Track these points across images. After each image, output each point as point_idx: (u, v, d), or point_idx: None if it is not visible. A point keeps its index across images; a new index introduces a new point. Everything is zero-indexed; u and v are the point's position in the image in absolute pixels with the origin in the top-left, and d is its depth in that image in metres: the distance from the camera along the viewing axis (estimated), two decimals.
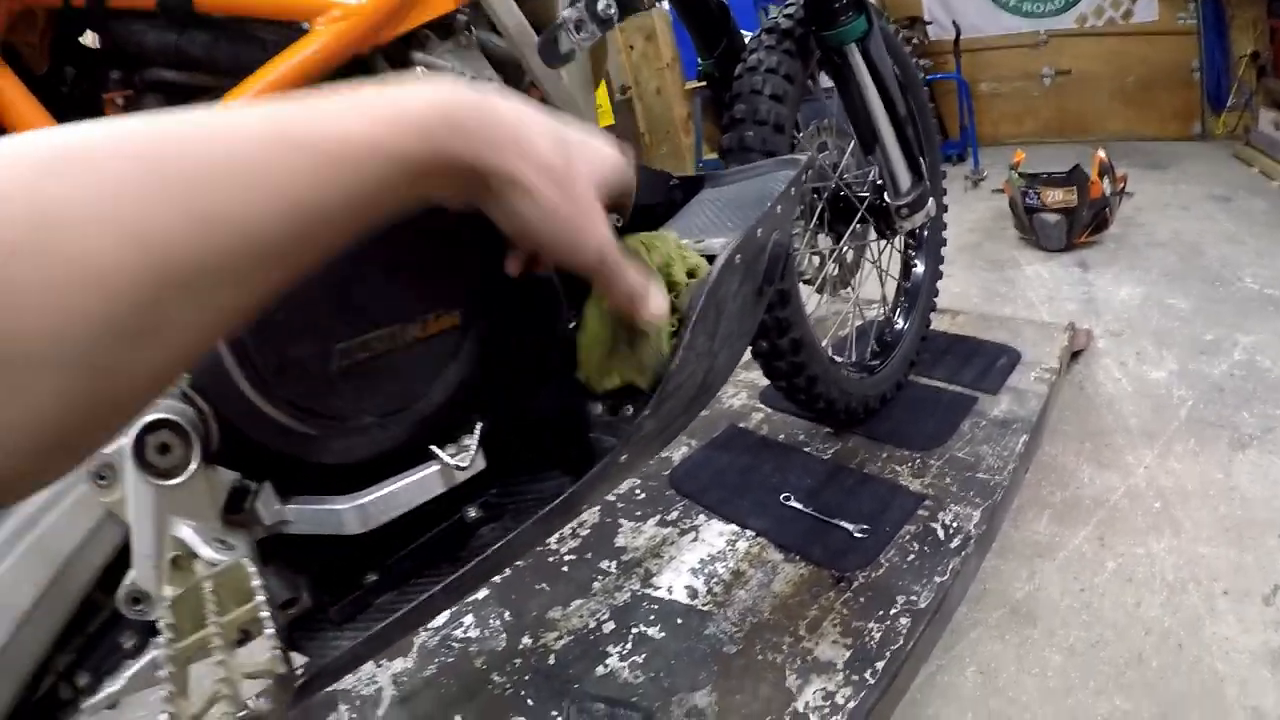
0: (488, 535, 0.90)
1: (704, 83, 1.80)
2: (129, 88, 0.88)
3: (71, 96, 0.92)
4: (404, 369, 0.81)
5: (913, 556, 1.52)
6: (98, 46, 0.89)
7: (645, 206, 1.14)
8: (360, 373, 0.78)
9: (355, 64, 0.85)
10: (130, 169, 0.32)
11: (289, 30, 0.84)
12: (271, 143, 0.37)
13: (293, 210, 0.37)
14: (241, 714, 0.61)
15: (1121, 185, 3.61)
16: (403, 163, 0.42)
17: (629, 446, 0.82)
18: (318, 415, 0.78)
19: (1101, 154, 3.53)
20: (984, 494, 1.67)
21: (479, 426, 0.83)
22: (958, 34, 5.46)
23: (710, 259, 0.81)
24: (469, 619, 1.57)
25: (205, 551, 0.73)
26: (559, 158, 0.52)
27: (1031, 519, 1.81)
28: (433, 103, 0.44)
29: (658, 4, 1.20)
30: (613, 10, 0.96)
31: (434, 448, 0.82)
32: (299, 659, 0.78)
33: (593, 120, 1.04)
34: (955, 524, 1.59)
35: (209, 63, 0.85)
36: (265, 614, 0.66)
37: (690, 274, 0.81)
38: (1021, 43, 5.80)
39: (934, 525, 1.60)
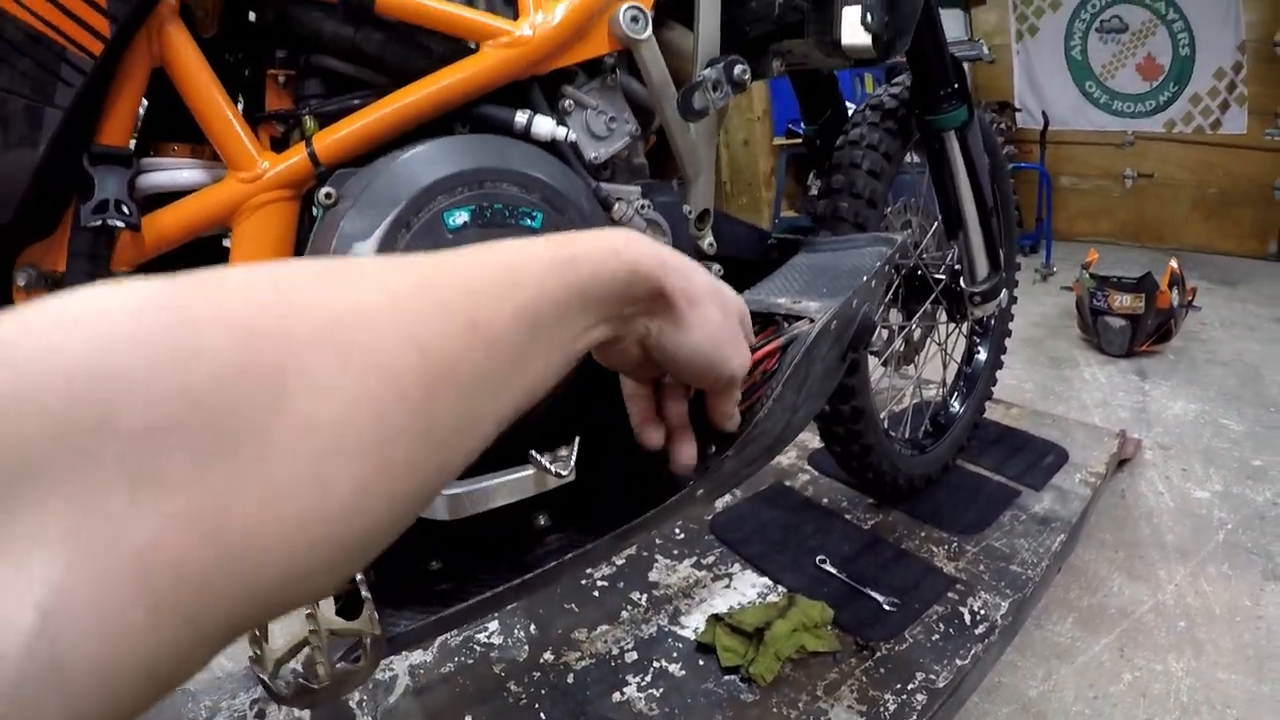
0: (553, 544, 0.93)
1: (797, 143, 1.85)
2: (292, 68, 0.94)
3: (235, 65, 0.98)
4: None
5: (937, 636, 1.54)
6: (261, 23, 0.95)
7: (743, 261, 1.19)
8: None
9: (512, 88, 0.92)
10: (406, 284, 0.36)
11: (458, 46, 0.90)
12: (531, 271, 0.43)
13: (537, 321, 0.42)
14: (336, 666, 0.66)
15: (1190, 298, 3.59)
16: (621, 282, 0.50)
17: (707, 482, 0.86)
18: None
19: (1174, 264, 3.51)
20: (1015, 587, 1.68)
21: (577, 440, 0.87)
22: (1045, 124, 5.47)
23: (805, 319, 0.85)
24: (494, 625, 1.60)
25: None
26: (714, 287, 0.60)
27: (1055, 620, 1.80)
28: (638, 248, 0.51)
29: (783, 73, 1.26)
30: (747, 75, 1.02)
31: (534, 453, 0.86)
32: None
33: (711, 173, 1.10)
34: (983, 611, 1.60)
35: (378, 61, 0.91)
36: (359, 576, 0.70)
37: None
38: (1107, 141, 5.80)
39: (962, 609, 1.61)
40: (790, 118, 4.56)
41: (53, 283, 0.82)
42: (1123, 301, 3.40)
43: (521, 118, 0.89)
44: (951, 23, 5.51)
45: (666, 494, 0.86)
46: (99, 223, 0.78)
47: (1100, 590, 1.90)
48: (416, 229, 0.77)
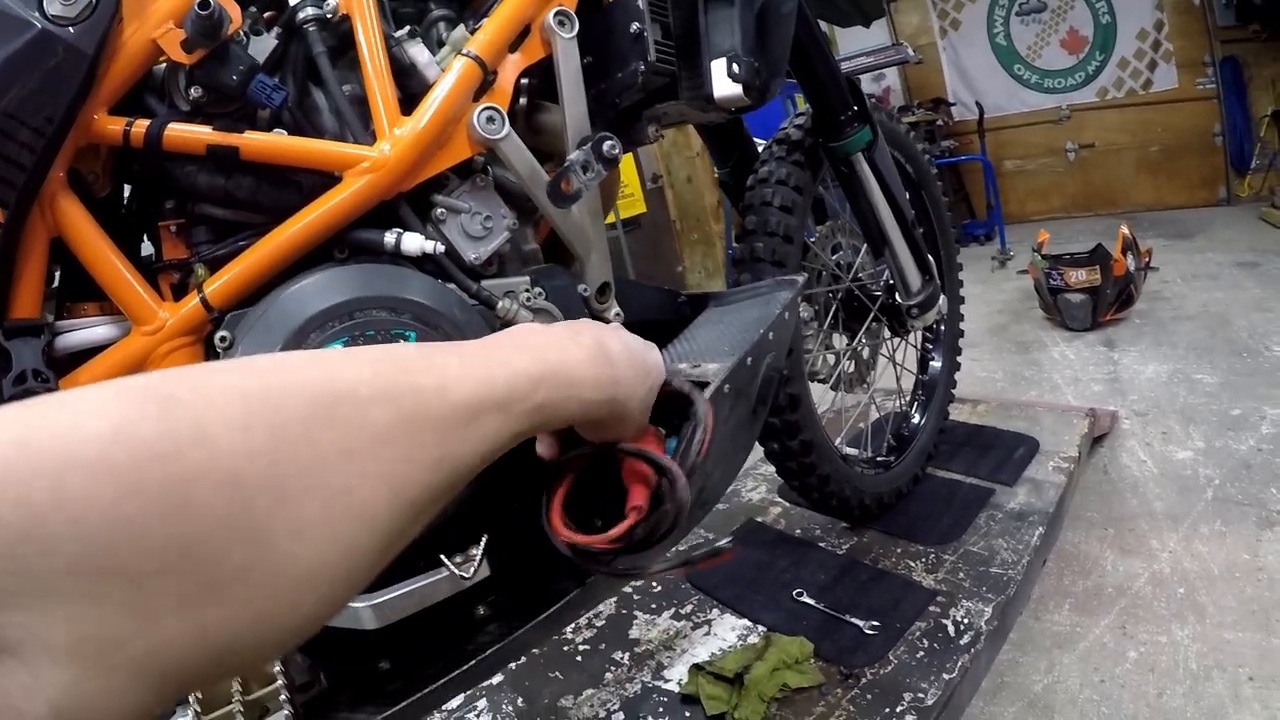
0: (495, 631, 0.96)
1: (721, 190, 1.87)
2: (181, 217, 0.97)
3: (128, 217, 1.01)
4: None
5: (922, 654, 1.52)
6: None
7: (655, 322, 1.21)
8: None
9: (383, 207, 0.94)
10: (388, 420, 0.40)
11: (324, 178, 0.93)
12: (484, 405, 0.46)
13: (491, 450, 0.47)
14: None
15: (1146, 260, 3.64)
16: (575, 418, 0.57)
17: (622, 559, 0.87)
18: None
19: (1125, 230, 3.56)
20: (997, 589, 1.67)
21: (484, 539, 0.90)
22: (981, 114, 5.56)
23: (705, 385, 0.87)
24: (482, 703, 1.60)
25: None
26: (639, 375, 0.63)
27: (1052, 609, 1.79)
28: (595, 389, 0.57)
29: (662, 136, 1.28)
30: (617, 150, 1.03)
31: (443, 556, 0.89)
32: None
33: (603, 247, 1.11)
34: (966, 620, 1.59)
35: (253, 204, 0.94)
36: (283, 697, 0.72)
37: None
38: (1044, 119, 5.92)
39: (945, 622, 1.60)
40: None
41: None
42: (1078, 276, 3.44)
43: (390, 238, 0.91)
44: (874, 29, 5.61)
45: (584, 574, 0.87)
46: (20, 393, 0.81)
47: (1094, 571, 1.90)
48: None
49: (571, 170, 1.01)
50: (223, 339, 0.87)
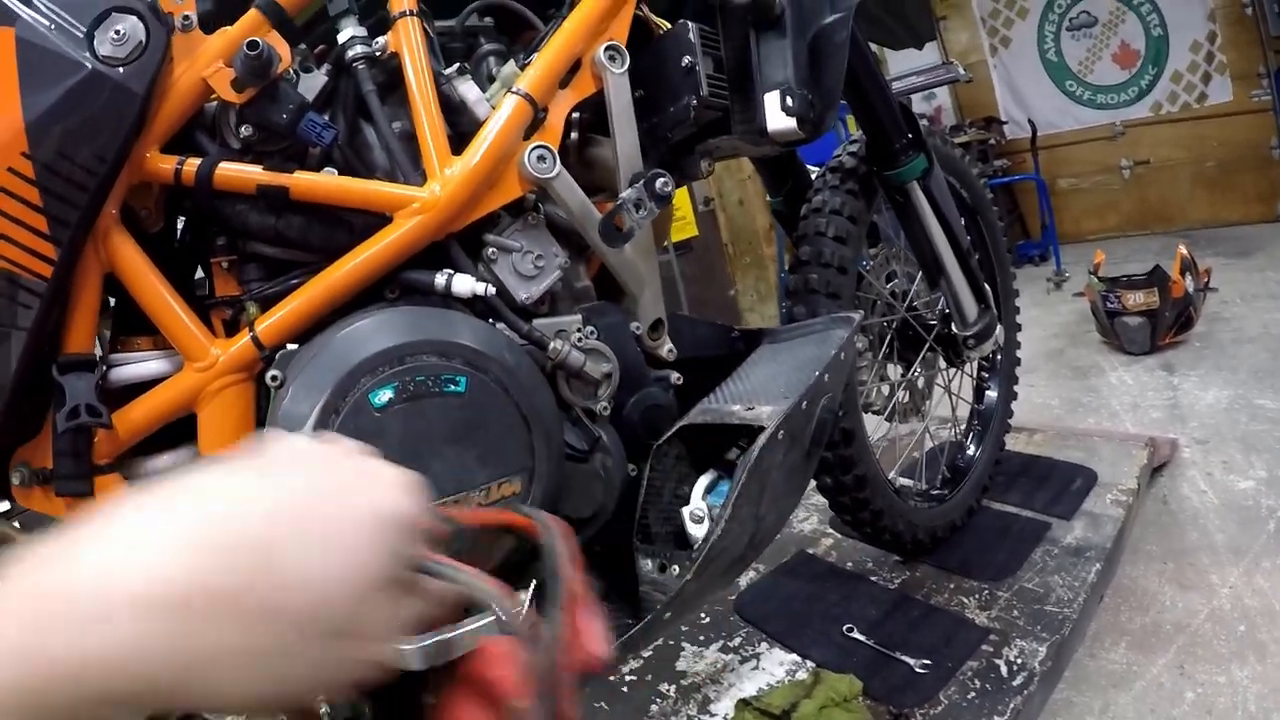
0: None
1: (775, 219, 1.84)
2: (232, 253, 0.98)
3: (180, 251, 1.02)
4: None
5: (973, 694, 1.48)
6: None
7: (711, 359, 1.19)
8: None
9: (434, 247, 0.93)
10: None
11: (374, 218, 0.93)
12: None
13: None
14: None
15: (1205, 280, 3.53)
16: None
17: (672, 605, 0.85)
18: None
19: (1183, 250, 3.46)
20: (1051, 628, 1.62)
21: (533, 584, 0.88)
22: (1034, 132, 5.48)
23: (760, 429, 0.85)
24: None
25: None
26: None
27: (1108, 647, 1.73)
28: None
29: (712, 170, 1.27)
30: (670, 187, 1.03)
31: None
32: None
33: (656, 283, 1.10)
34: (1020, 660, 1.55)
35: (303, 243, 0.95)
36: None
37: None
38: (1098, 135, 5.82)
39: (998, 661, 1.55)
40: None
41: (44, 478, 0.87)
42: (1136, 299, 3.35)
43: (441, 280, 0.91)
44: (925, 48, 5.59)
45: (636, 618, 0.86)
46: (73, 427, 0.82)
47: (1152, 607, 1.83)
48: (346, 412, 0.80)
49: (624, 209, 1.00)
50: (274, 378, 0.87)
